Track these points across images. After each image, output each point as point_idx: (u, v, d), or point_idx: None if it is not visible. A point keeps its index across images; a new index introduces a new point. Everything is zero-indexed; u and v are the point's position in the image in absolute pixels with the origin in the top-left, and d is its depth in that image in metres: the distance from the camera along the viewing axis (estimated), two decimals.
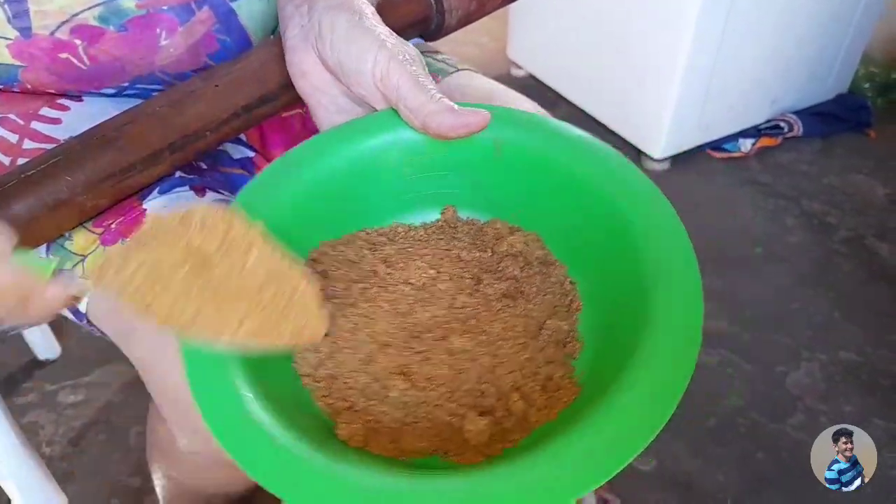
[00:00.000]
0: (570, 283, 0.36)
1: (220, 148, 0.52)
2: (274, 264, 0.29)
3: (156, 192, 0.44)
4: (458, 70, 0.55)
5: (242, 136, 0.55)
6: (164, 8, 0.43)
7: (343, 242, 0.38)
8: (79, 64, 0.44)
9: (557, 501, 0.24)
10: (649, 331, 0.29)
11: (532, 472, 0.25)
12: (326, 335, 0.33)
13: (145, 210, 0.43)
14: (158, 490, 0.58)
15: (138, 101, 0.43)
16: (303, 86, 0.40)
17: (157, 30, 0.44)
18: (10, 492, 0.64)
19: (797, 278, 1.14)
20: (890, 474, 0.85)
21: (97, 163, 0.39)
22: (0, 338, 0.54)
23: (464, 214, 0.40)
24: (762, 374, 0.98)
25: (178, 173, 0.45)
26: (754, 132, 1.43)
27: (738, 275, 1.15)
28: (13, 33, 0.41)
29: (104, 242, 0.42)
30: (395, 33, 0.38)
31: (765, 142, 1.43)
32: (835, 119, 1.47)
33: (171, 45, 0.45)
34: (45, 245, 0.43)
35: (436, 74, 0.54)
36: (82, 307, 0.44)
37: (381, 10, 0.44)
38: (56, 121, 0.47)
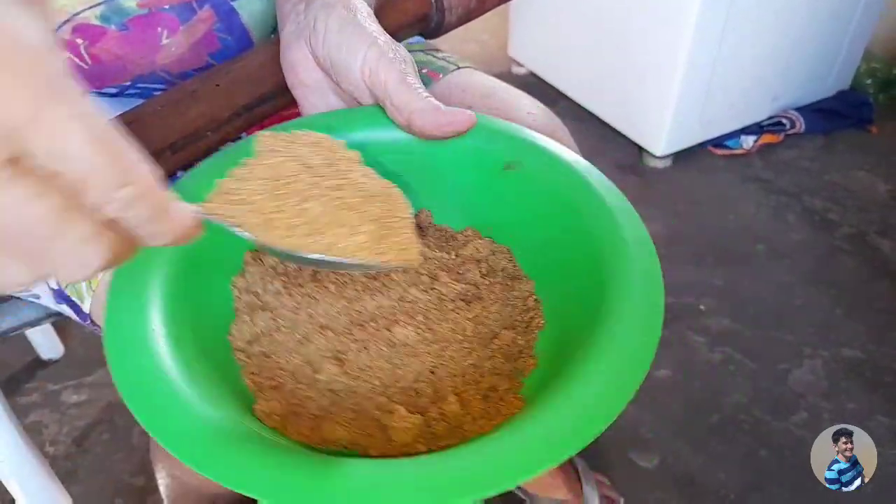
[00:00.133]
0: (535, 300, 0.35)
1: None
2: (376, 184, 0.30)
3: None
4: (459, 68, 0.55)
5: (243, 136, 0.55)
6: (166, 7, 0.43)
7: None
8: (80, 63, 0.44)
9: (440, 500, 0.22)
10: (595, 352, 0.27)
11: (425, 468, 0.24)
12: (267, 310, 0.33)
13: None
14: (162, 489, 0.58)
15: (139, 101, 0.43)
16: (294, 82, 0.40)
17: (159, 29, 0.44)
18: (14, 492, 0.64)
19: (799, 275, 1.14)
20: (892, 471, 0.84)
21: None
22: (3, 338, 0.54)
23: (438, 223, 0.39)
24: (765, 372, 0.98)
25: (179, 173, 0.45)
26: (756, 129, 1.43)
27: (740, 272, 1.15)
28: None
29: None
30: (387, 33, 0.38)
31: (767, 139, 1.43)
32: (836, 115, 1.47)
33: (173, 43, 0.45)
34: None
35: (436, 72, 0.53)
36: (85, 307, 0.44)
37: (382, 8, 0.44)
38: None
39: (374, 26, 0.37)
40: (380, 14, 0.41)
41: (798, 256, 1.18)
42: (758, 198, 1.31)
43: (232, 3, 0.46)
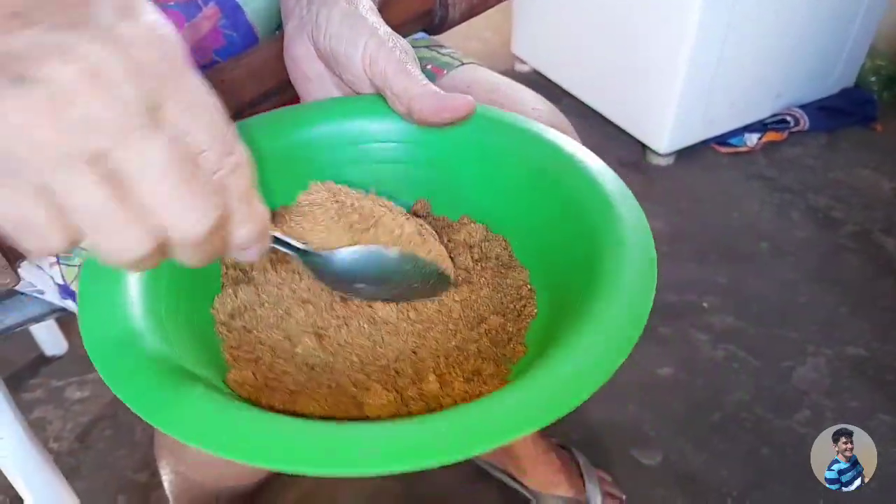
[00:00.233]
0: (529, 289, 0.35)
1: None
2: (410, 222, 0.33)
3: None
4: (464, 64, 0.55)
5: None
6: (171, 4, 0.43)
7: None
8: None
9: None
10: (576, 335, 0.26)
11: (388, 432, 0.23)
12: (252, 284, 0.34)
13: None
14: (166, 485, 0.58)
15: None
16: (297, 76, 0.40)
17: None
18: (20, 488, 0.64)
19: (803, 273, 1.14)
20: (894, 470, 0.84)
21: None
22: (7, 334, 0.54)
23: (437, 213, 0.39)
24: (768, 370, 0.98)
25: None
26: (760, 126, 1.43)
27: (744, 270, 1.15)
28: None
29: None
30: (391, 28, 0.38)
31: (770, 136, 1.42)
32: (841, 113, 1.46)
33: None
34: None
35: (441, 68, 0.53)
36: None
37: (386, 4, 0.44)
38: None
39: (374, 18, 0.37)
40: (384, 9, 0.41)
41: (802, 254, 1.18)
42: (761, 195, 1.31)
43: (237, 0, 0.46)
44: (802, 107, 1.45)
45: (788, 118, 1.43)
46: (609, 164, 0.35)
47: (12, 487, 0.65)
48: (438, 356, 0.31)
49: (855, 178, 1.35)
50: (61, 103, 0.18)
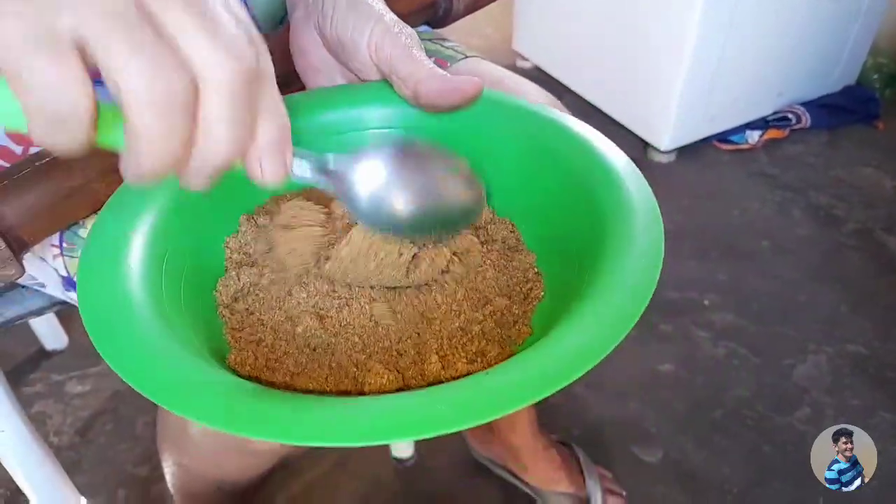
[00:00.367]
0: (536, 272, 0.35)
1: None
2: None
3: None
4: (467, 57, 0.54)
5: None
6: None
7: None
8: None
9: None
10: (578, 314, 0.26)
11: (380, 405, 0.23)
12: (253, 266, 0.34)
13: None
14: (168, 478, 0.58)
15: None
16: (302, 65, 0.40)
17: None
18: (20, 482, 0.64)
19: (804, 271, 1.14)
20: (895, 468, 0.84)
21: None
22: (7, 328, 0.54)
23: None
24: (769, 367, 0.98)
25: None
26: (762, 124, 1.42)
27: (745, 267, 1.14)
28: None
29: None
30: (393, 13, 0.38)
31: (772, 134, 1.42)
32: (842, 111, 1.46)
33: None
34: (58, 232, 0.43)
35: (445, 60, 0.53)
36: None
37: None
38: None
39: (380, 5, 0.37)
40: (388, 1, 0.41)
41: (803, 252, 1.18)
42: (763, 193, 1.31)
43: None
44: (804, 104, 1.45)
45: (790, 116, 1.43)
46: None
47: (12, 481, 0.65)
48: (441, 337, 0.31)
49: (856, 176, 1.35)
50: None
